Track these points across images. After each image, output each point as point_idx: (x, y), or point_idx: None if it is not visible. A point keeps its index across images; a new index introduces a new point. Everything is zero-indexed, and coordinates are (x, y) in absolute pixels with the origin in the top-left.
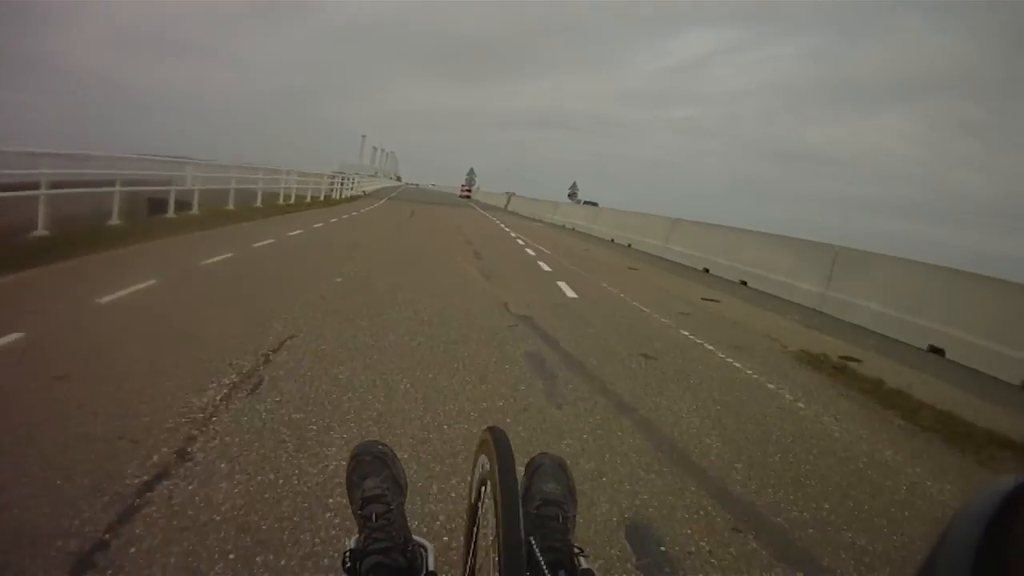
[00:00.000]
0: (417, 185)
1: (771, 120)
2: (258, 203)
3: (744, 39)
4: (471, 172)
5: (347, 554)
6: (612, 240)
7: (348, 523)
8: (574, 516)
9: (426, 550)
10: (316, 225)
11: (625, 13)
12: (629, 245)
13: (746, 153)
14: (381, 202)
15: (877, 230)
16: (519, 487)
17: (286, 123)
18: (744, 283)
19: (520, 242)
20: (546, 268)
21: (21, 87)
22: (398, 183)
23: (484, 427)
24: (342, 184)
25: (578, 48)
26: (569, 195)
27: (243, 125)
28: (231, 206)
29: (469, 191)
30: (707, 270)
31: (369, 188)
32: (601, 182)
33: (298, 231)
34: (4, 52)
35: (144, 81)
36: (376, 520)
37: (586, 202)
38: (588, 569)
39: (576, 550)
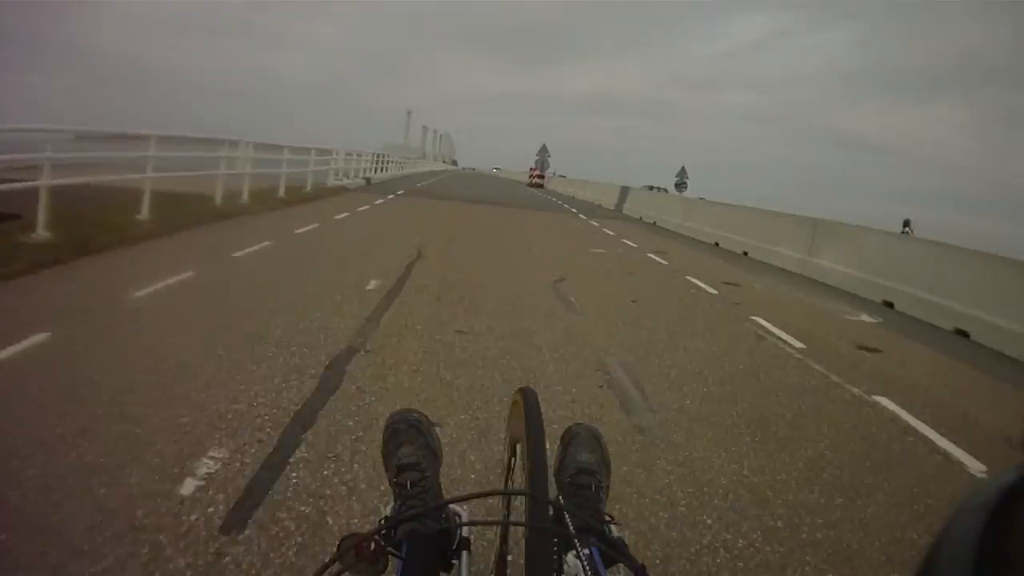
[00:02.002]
0: (474, 169)
1: (826, 107)
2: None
3: (798, 23)
4: (543, 151)
5: (382, 521)
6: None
7: None
8: (607, 486)
9: (460, 517)
10: None
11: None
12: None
13: (802, 140)
14: (374, 203)
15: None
16: (555, 456)
17: (335, 104)
18: None
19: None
20: None
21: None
22: (452, 167)
23: (517, 388)
24: (375, 165)
25: (633, 31)
26: (676, 184)
27: (286, 105)
28: None
29: (542, 177)
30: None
31: (398, 173)
32: (655, 167)
33: None
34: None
35: (184, 62)
36: (411, 487)
37: (653, 187)
38: (619, 538)
39: (607, 518)
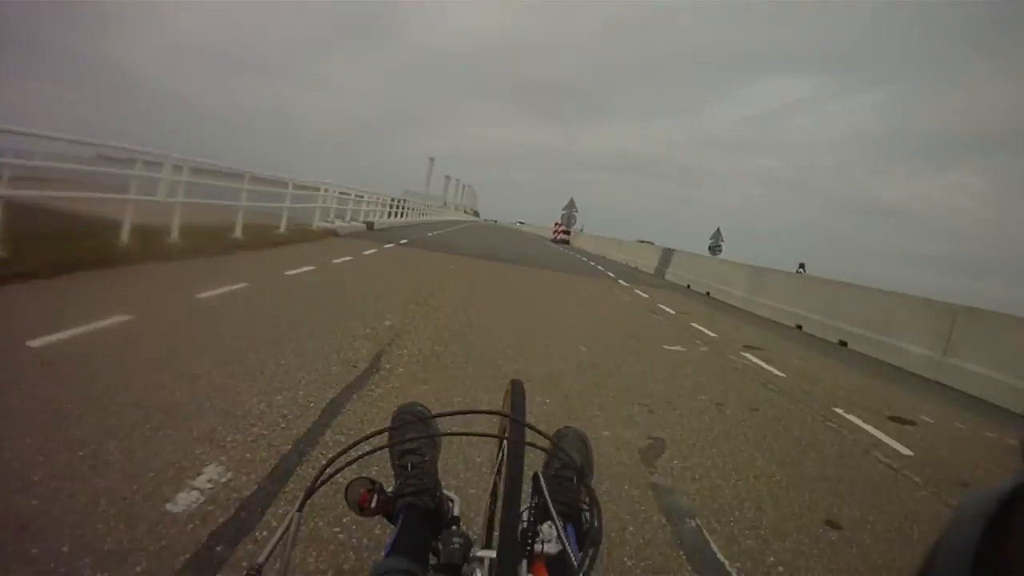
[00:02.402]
0: (496, 222)
1: (848, 172)
2: None
3: (824, 88)
4: (570, 205)
5: (381, 500)
6: None
7: None
8: (589, 483)
9: (453, 501)
10: None
11: (708, 60)
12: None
13: (823, 205)
14: (374, 251)
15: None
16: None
17: (361, 151)
18: None
19: None
20: None
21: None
22: (473, 218)
23: (509, 380)
24: (388, 209)
25: (661, 94)
26: (711, 247)
27: (313, 148)
28: None
29: (567, 232)
30: None
31: (414, 219)
32: (677, 227)
33: None
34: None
35: (216, 99)
36: (411, 469)
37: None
38: (596, 526)
39: (584, 507)
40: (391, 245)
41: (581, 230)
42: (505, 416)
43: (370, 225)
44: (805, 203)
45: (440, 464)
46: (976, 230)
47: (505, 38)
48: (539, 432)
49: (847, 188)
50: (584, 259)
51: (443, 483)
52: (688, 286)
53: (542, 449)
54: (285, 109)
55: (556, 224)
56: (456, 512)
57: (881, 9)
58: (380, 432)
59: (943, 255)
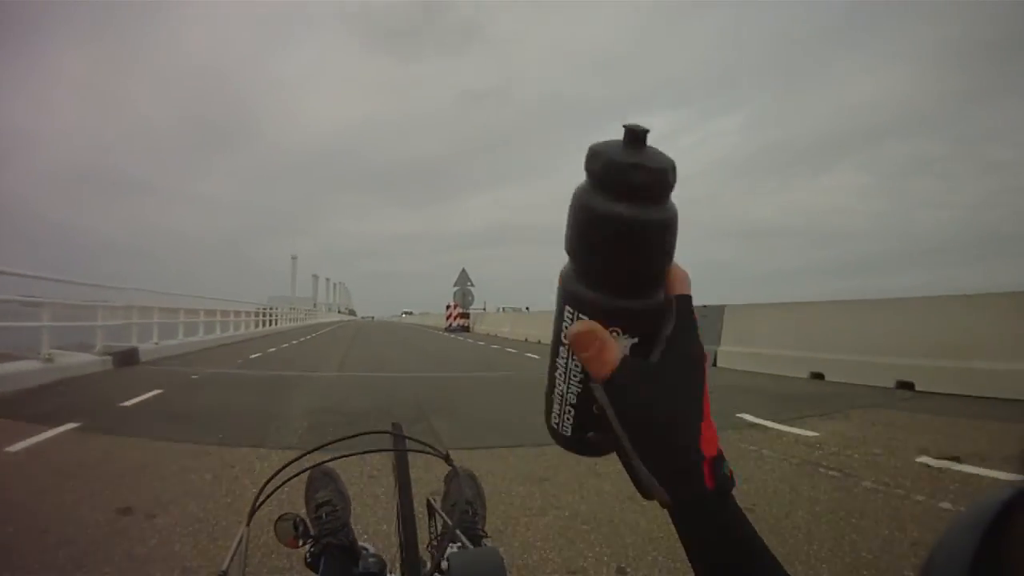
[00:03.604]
0: (373, 318)
1: (721, 199)
2: None
3: (685, 120)
4: (463, 278)
5: (308, 552)
6: None
7: None
8: (483, 515)
9: (368, 549)
10: None
11: (561, 119)
12: None
13: (701, 237)
14: None
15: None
16: (442, 493)
17: (228, 260)
18: None
19: None
20: None
21: None
22: (349, 317)
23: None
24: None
25: (519, 160)
26: None
27: (178, 261)
28: None
29: (466, 317)
30: None
31: (257, 332)
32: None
33: None
34: None
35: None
36: (326, 518)
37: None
38: (494, 547)
39: (482, 534)
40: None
41: (484, 309)
42: (392, 434)
43: (129, 355)
44: (683, 239)
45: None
46: (868, 225)
47: (363, 127)
48: (431, 448)
49: (724, 215)
50: (505, 351)
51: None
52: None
53: (444, 460)
54: (158, 228)
55: (449, 308)
56: (373, 565)
57: (724, 35)
58: (323, 446)
59: (840, 259)
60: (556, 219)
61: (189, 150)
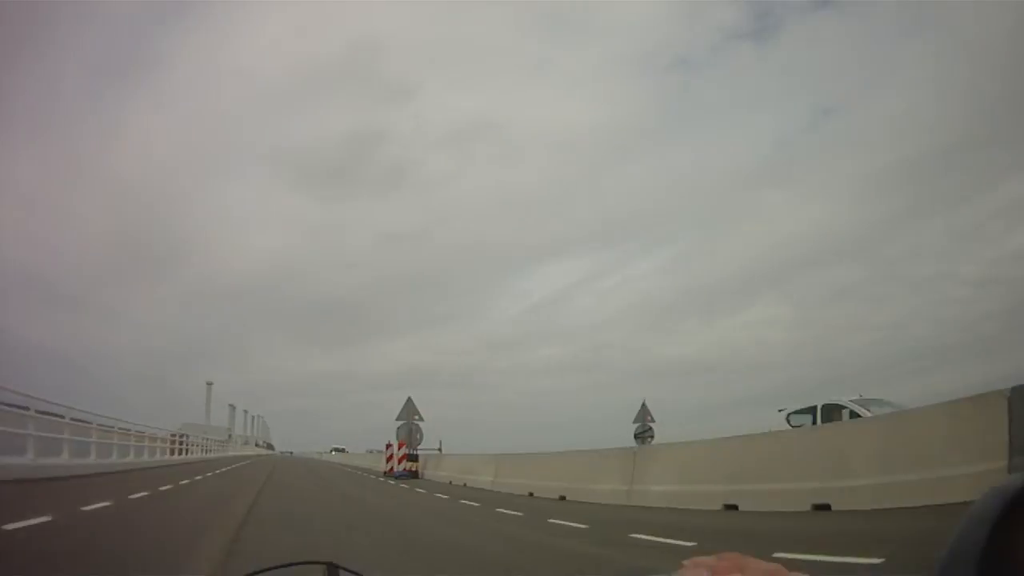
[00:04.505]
0: (291, 453)
1: (639, 342)
2: None
3: (601, 264)
4: (409, 407)
5: None
6: None
7: None
8: None
9: None
10: None
11: (485, 262)
12: None
13: (618, 380)
14: None
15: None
16: None
17: (148, 384)
18: None
19: None
20: None
21: None
22: (266, 451)
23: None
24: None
25: (441, 303)
26: (637, 435)
27: (107, 387)
28: None
29: (414, 459)
30: None
31: (151, 461)
32: (466, 432)
33: None
34: None
35: None
36: None
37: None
38: None
39: None
40: None
41: (439, 449)
42: (317, 563)
43: None
44: (599, 382)
45: None
46: (784, 357)
47: (285, 263)
48: None
49: (641, 356)
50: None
51: None
52: None
53: None
54: (80, 349)
55: (389, 446)
56: None
57: (647, 181)
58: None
59: (764, 388)
60: (482, 363)
61: (119, 268)
